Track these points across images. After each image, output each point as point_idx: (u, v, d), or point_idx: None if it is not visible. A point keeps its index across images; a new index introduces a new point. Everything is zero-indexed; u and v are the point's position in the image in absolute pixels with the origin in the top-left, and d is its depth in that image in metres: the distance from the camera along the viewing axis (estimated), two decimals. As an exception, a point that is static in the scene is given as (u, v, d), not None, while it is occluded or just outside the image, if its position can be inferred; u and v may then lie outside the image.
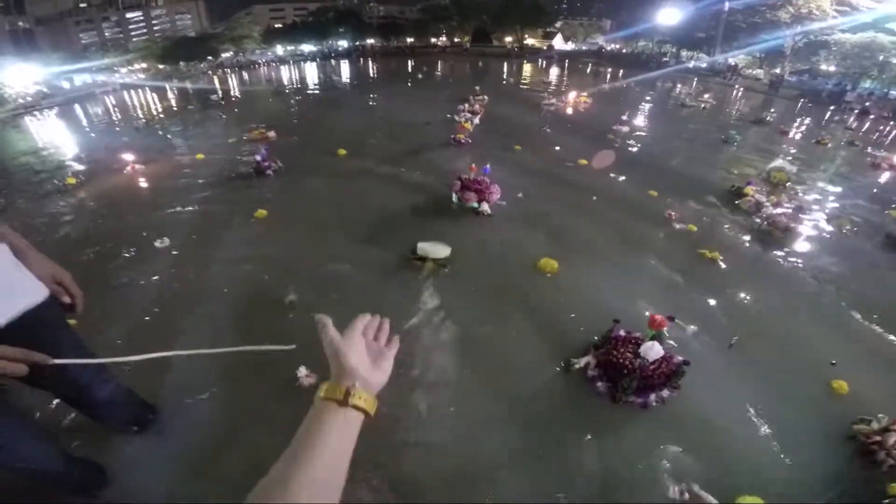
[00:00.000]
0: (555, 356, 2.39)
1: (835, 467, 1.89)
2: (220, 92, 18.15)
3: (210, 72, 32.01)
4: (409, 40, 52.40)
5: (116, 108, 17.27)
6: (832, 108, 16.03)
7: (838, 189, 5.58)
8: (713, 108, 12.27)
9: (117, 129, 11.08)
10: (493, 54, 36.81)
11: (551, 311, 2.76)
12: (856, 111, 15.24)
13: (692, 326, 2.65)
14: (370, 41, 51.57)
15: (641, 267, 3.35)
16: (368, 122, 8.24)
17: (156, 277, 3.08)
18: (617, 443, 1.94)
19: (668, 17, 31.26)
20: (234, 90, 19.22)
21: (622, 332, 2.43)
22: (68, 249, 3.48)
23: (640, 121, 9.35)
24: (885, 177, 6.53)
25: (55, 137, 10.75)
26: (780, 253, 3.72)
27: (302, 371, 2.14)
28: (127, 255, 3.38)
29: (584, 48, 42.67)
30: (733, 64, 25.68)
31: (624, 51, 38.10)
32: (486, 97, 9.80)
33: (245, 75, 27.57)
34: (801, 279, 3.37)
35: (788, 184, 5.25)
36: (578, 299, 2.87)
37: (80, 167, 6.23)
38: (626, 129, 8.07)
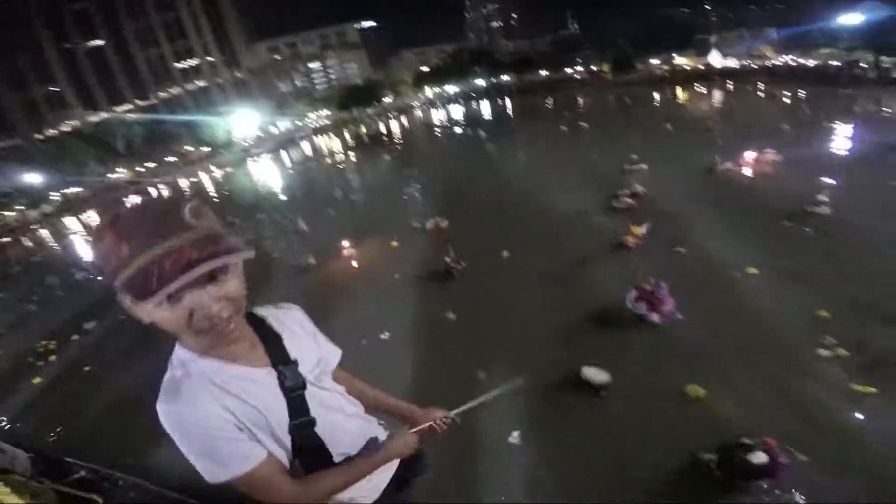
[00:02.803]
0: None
1: None
2: (388, 138, 20.42)
3: (377, 117, 36.79)
4: (544, 73, 51.38)
5: (313, 152, 21.00)
6: None
7: None
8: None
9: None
10: (639, 83, 34.29)
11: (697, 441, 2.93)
12: None
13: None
14: (505, 77, 51.93)
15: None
16: (521, 207, 8.30)
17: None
18: None
19: (851, 20, 24.99)
20: (397, 135, 21.55)
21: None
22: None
23: (845, 182, 6.74)
24: None
25: (275, 182, 13.66)
26: None
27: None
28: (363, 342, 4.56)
29: (749, 63, 36.51)
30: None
31: (804, 62, 31.16)
32: (644, 166, 9.09)
33: (404, 120, 31.08)
34: None
35: None
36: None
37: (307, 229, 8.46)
38: (824, 209, 5.88)
